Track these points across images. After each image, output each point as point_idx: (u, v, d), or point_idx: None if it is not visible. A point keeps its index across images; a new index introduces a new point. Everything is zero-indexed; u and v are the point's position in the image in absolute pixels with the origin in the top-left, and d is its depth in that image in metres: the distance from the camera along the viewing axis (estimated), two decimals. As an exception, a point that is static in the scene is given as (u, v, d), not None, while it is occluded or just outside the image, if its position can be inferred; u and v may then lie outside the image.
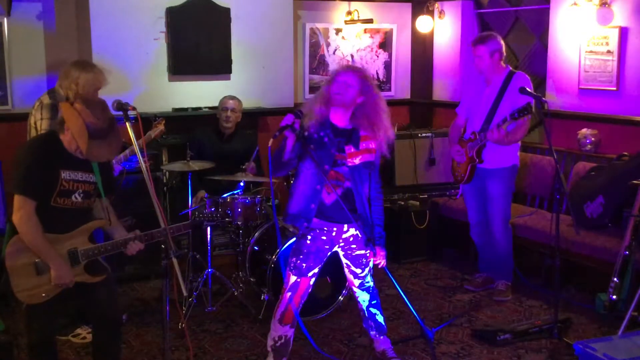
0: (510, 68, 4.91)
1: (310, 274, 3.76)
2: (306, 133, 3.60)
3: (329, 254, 3.82)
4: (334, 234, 3.76)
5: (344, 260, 3.89)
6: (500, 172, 4.90)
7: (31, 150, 3.19)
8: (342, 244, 3.81)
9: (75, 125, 3.09)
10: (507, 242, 5.03)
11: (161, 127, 4.83)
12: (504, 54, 4.87)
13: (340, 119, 3.66)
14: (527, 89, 4.50)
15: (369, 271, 3.91)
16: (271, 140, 3.39)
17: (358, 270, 3.87)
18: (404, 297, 3.50)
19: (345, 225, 3.72)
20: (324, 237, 3.75)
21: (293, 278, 3.75)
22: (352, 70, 3.65)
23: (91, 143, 3.09)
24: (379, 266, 3.80)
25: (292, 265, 3.75)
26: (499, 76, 4.85)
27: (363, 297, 3.95)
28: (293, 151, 3.52)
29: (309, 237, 3.73)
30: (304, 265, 3.73)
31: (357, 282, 3.90)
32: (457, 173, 5.10)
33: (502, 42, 4.85)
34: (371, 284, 3.94)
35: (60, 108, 3.41)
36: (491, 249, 5.14)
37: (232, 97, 5.48)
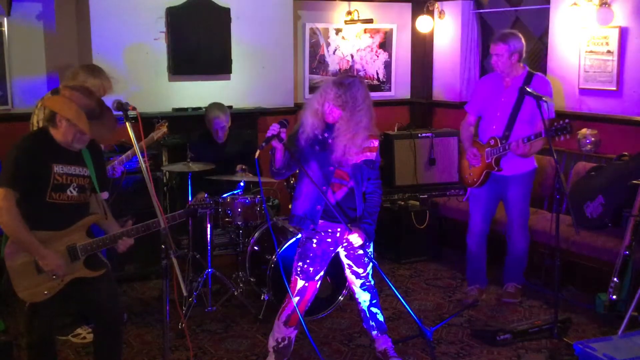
0: (528, 69, 4.77)
1: (317, 278, 3.76)
2: (309, 135, 3.62)
3: (332, 255, 3.83)
4: (338, 234, 3.76)
5: (346, 261, 3.89)
6: (520, 177, 4.80)
7: (19, 146, 3.20)
8: (345, 244, 3.81)
9: (70, 110, 3.11)
10: (524, 244, 4.95)
11: (164, 129, 4.81)
12: (524, 55, 4.74)
13: None
14: (528, 88, 4.45)
15: (371, 270, 3.91)
16: (258, 151, 3.41)
17: (360, 270, 3.87)
18: (400, 297, 3.50)
19: (350, 225, 3.72)
20: (329, 240, 3.75)
21: (301, 283, 3.74)
22: (338, 91, 3.55)
23: (90, 124, 3.11)
24: (348, 236, 3.70)
25: (299, 269, 3.75)
26: (517, 78, 4.71)
27: (364, 298, 3.94)
28: (283, 160, 3.55)
29: (315, 241, 3.73)
30: (312, 269, 3.73)
31: (358, 282, 3.90)
32: (469, 176, 4.97)
33: (524, 43, 4.70)
34: (372, 283, 3.94)
35: (45, 103, 3.43)
36: (484, 260, 5.09)
37: (221, 110, 5.28)
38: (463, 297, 5.08)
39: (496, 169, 4.78)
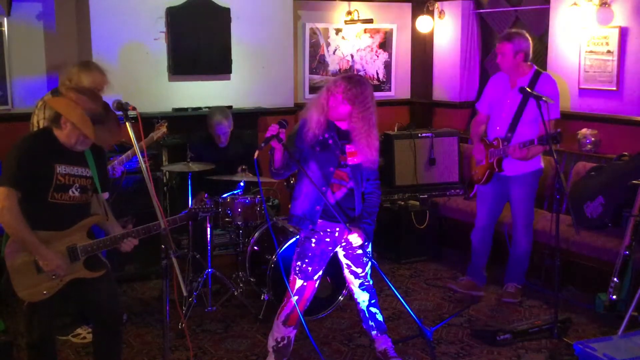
0: (536, 68, 4.76)
1: (315, 277, 3.76)
2: (305, 134, 3.61)
3: (331, 254, 3.83)
4: (336, 234, 3.76)
5: (345, 261, 3.89)
6: (523, 177, 4.80)
7: (21, 145, 3.19)
8: (343, 244, 3.81)
9: (75, 114, 3.10)
10: (527, 244, 4.95)
11: (164, 129, 4.80)
12: (530, 55, 4.72)
13: (343, 122, 3.67)
14: (527, 89, 4.45)
15: (369, 270, 3.90)
16: (257, 152, 3.40)
17: (359, 270, 3.87)
18: (399, 297, 3.50)
19: (349, 225, 3.71)
20: (328, 239, 3.75)
21: (299, 282, 3.74)
22: (347, 85, 3.55)
23: (95, 128, 3.11)
24: (348, 236, 3.68)
25: (297, 269, 3.74)
26: (523, 78, 4.70)
27: (363, 298, 3.94)
28: (282, 160, 3.54)
29: (314, 240, 3.73)
30: (310, 269, 3.73)
31: (357, 282, 3.90)
32: (474, 173, 5.02)
33: (530, 42, 4.70)
34: (371, 283, 3.94)
35: (49, 104, 3.42)
36: (485, 257, 5.11)
37: (223, 116, 5.24)
38: (452, 283, 5.22)
39: (497, 170, 4.79)
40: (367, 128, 3.59)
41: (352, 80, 3.59)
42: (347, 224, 3.61)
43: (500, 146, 4.73)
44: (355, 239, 3.68)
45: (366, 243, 3.73)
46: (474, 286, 5.13)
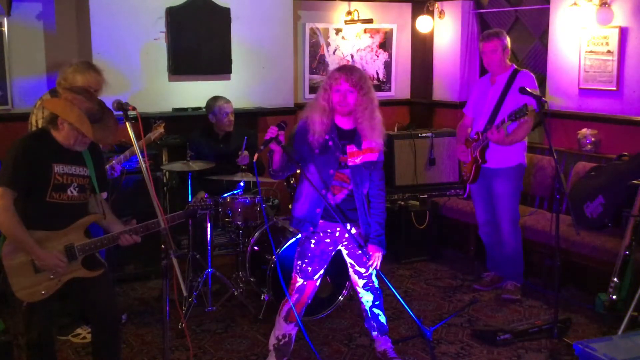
0: (515, 66, 4.91)
1: (316, 277, 3.76)
2: (310, 138, 3.59)
3: (332, 254, 3.82)
4: (337, 234, 3.75)
5: (348, 260, 3.88)
6: (506, 171, 4.88)
7: (19, 145, 3.20)
8: (345, 243, 3.80)
9: (73, 114, 3.11)
10: (516, 242, 4.98)
11: (161, 129, 4.82)
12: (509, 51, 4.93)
13: (345, 121, 3.64)
14: (527, 88, 4.46)
15: (374, 270, 3.89)
16: (256, 154, 3.39)
17: (362, 270, 3.86)
18: (399, 297, 3.50)
19: (349, 225, 3.71)
20: (328, 240, 3.74)
21: (300, 281, 3.75)
22: (347, 74, 3.53)
23: (93, 127, 3.12)
24: (371, 266, 3.76)
25: (298, 268, 3.75)
26: (503, 75, 4.86)
27: (367, 298, 3.94)
28: (281, 162, 3.53)
29: (313, 241, 3.72)
30: (310, 269, 3.73)
31: (361, 282, 3.89)
32: (464, 173, 5.13)
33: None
34: (376, 284, 3.93)
35: (45, 106, 3.42)
36: (499, 249, 5.13)
37: (224, 100, 5.36)
38: (477, 282, 5.26)
39: (481, 161, 4.89)
40: (370, 107, 3.56)
41: (346, 68, 3.59)
42: (364, 248, 3.63)
43: (480, 138, 4.85)
44: (377, 261, 3.71)
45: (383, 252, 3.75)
46: (499, 280, 5.16)
